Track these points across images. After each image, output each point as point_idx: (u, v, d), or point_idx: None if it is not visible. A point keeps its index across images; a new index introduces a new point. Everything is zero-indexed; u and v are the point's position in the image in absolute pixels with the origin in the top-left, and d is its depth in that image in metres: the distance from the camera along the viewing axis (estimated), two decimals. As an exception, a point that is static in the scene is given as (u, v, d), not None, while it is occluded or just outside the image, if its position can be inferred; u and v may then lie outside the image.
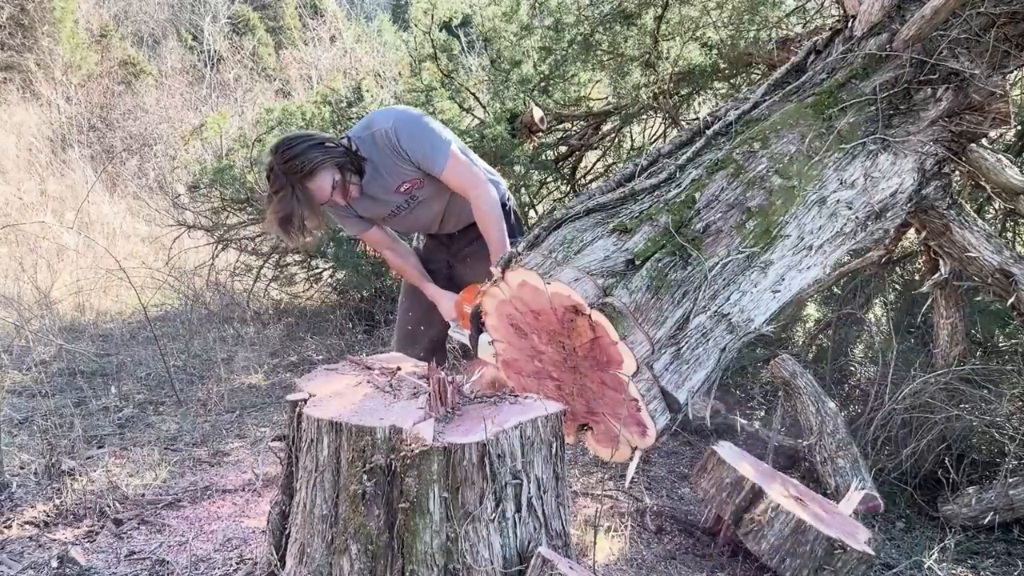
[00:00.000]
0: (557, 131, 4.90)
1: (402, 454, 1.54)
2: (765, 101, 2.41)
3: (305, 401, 1.75)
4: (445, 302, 2.68)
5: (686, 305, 1.87)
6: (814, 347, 3.90)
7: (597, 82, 4.81)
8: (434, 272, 2.84)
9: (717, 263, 1.94)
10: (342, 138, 2.42)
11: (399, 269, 2.81)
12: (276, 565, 1.83)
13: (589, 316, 1.80)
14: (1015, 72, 3.27)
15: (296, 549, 1.72)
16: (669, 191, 2.06)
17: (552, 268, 1.87)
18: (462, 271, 2.79)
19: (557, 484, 1.73)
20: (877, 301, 3.83)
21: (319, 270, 5.32)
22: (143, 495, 2.62)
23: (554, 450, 1.71)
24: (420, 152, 2.40)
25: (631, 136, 5.04)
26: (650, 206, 2.01)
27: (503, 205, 2.65)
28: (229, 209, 5.11)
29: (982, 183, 2.87)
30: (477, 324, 2.11)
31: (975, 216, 2.81)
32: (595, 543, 2.32)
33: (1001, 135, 3.50)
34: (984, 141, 2.78)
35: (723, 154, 2.16)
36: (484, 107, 4.74)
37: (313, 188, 2.28)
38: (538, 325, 1.97)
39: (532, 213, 4.82)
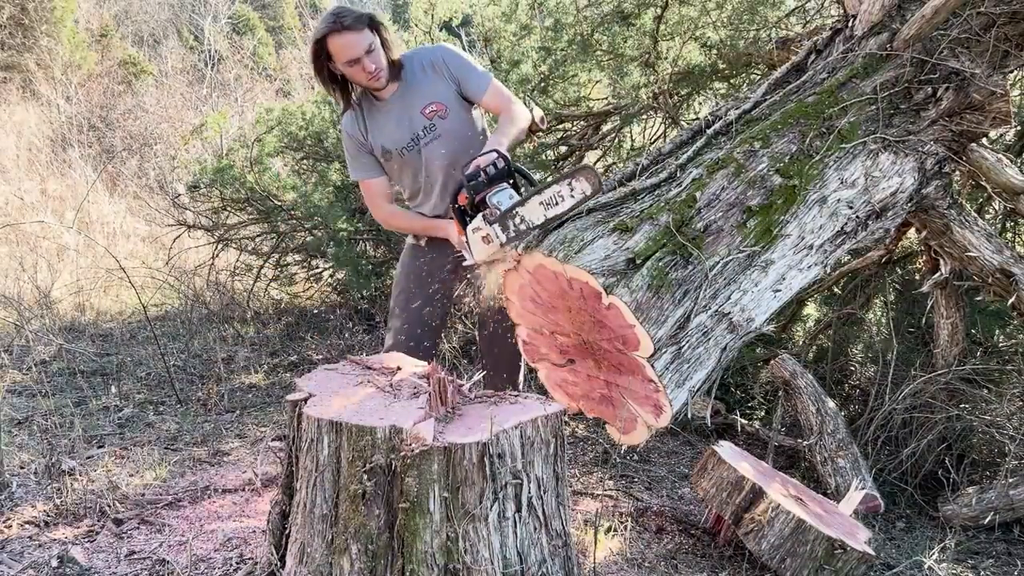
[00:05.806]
0: (557, 131, 4.89)
1: (402, 454, 1.54)
2: (766, 100, 2.41)
3: (305, 401, 1.75)
4: (453, 232, 2.61)
5: (687, 304, 1.87)
6: (814, 347, 3.89)
7: (597, 82, 4.80)
8: (437, 290, 2.81)
9: (718, 262, 1.94)
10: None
11: (400, 224, 2.81)
12: (276, 565, 1.83)
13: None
14: (1015, 72, 3.27)
15: (296, 549, 1.72)
16: (670, 190, 2.06)
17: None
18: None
19: (557, 484, 1.73)
20: (877, 301, 3.83)
21: (319, 270, 5.31)
22: (143, 495, 2.62)
23: (554, 450, 1.71)
24: (463, 69, 2.59)
25: (631, 136, 5.02)
26: (651, 205, 2.01)
27: None
28: (229, 209, 5.10)
29: (982, 183, 2.87)
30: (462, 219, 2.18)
31: (975, 216, 2.81)
32: (595, 543, 2.32)
33: (1001, 135, 3.49)
34: (984, 141, 2.77)
35: (724, 153, 2.16)
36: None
37: (353, 39, 2.40)
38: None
39: (532, 213, 4.80)
